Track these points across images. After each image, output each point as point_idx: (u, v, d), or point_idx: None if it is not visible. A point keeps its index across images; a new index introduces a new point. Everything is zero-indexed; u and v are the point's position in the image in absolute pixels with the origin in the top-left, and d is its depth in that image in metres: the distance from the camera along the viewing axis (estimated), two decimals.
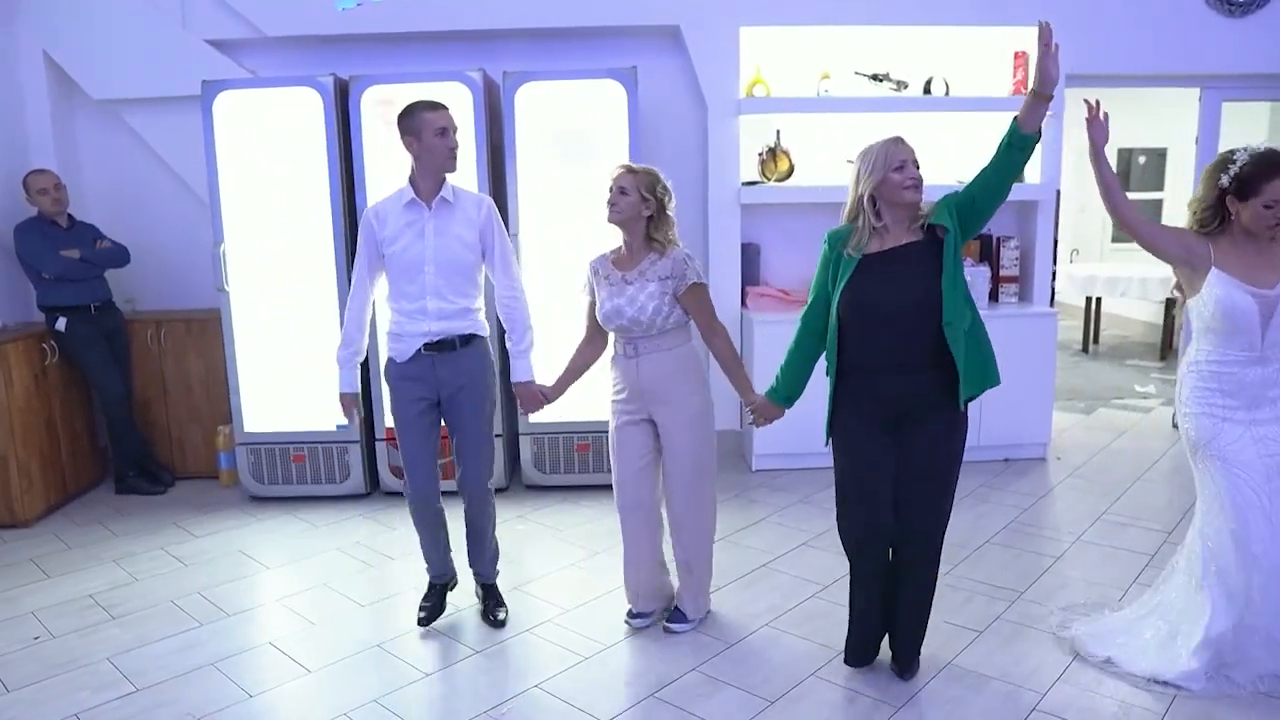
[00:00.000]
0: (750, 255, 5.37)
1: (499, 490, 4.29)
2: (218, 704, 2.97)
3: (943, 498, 2.92)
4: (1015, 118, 2.80)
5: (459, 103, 4.64)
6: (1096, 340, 8.85)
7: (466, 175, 4.69)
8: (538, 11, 5.09)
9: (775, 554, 4.06)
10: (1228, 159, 2.77)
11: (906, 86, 5.30)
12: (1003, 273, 5.39)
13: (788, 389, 3.11)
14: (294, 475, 4.90)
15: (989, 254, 5.43)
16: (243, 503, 4.92)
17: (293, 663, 3.23)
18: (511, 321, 3.40)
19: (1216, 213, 2.81)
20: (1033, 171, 5.38)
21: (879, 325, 2.79)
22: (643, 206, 3.19)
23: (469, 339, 3.32)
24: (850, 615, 3.11)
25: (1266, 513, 2.81)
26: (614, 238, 4.77)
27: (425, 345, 3.26)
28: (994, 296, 5.36)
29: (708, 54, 5.17)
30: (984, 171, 2.85)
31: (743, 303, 5.34)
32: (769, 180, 5.28)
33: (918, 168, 2.85)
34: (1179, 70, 5.44)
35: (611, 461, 3.37)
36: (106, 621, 3.57)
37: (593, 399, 3.80)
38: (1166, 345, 8.30)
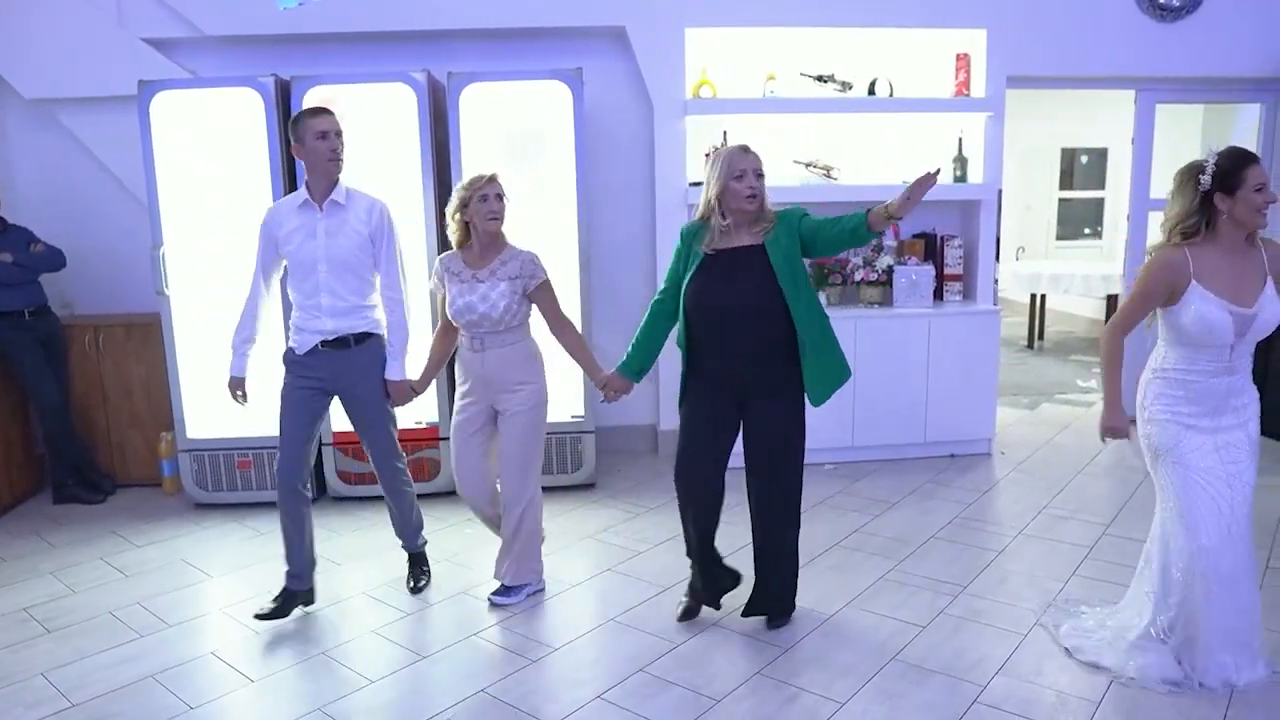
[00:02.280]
0: None
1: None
2: (157, 717, 2.92)
3: (789, 465, 3.26)
4: (869, 213, 2.96)
5: (403, 104, 4.62)
6: (1041, 336, 9.02)
7: (411, 176, 4.66)
8: (483, 12, 5.06)
9: (723, 553, 4.05)
10: (1198, 166, 2.80)
11: (851, 88, 5.36)
12: (947, 271, 5.47)
13: (639, 363, 3.42)
14: (239, 482, 4.83)
15: (933, 252, 5.50)
16: (186, 510, 4.84)
17: (235, 672, 3.18)
18: (390, 324, 3.58)
19: (1201, 218, 2.80)
20: (975, 172, 5.47)
21: (720, 320, 3.10)
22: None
23: (364, 337, 3.53)
24: (691, 552, 3.45)
25: (1223, 517, 2.83)
26: (565, 238, 4.80)
27: (322, 342, 3.47)
28: (938, 294, 5.44)
29: (654, 55, 5.19)
30: (831, 230, 3.08)
31: None
32: None
33: (760, 178, 3.09)
34: (1114, 73, 5.57)
35: (452, 447, 3.63)
36: (42, 636, 3.49)
37: None
38: None
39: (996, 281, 6.04)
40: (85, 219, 5.29)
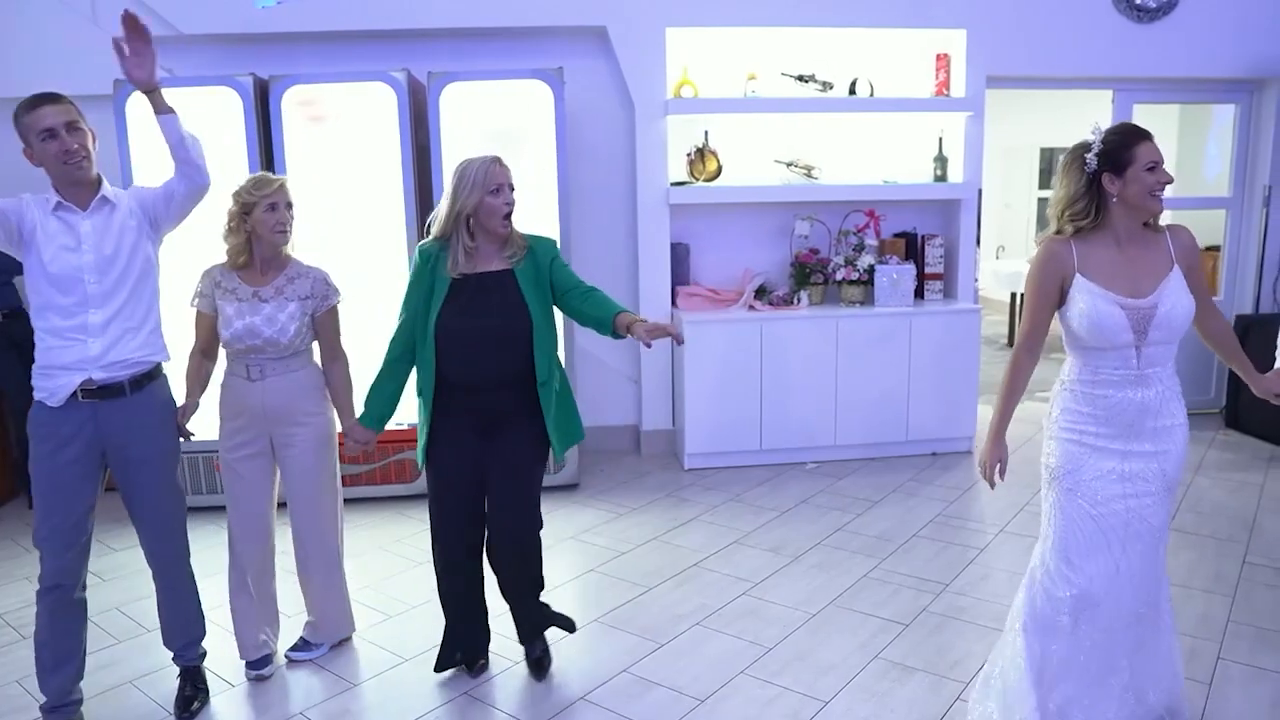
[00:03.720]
0: (679, 255, 5.39)
1: None
2: None
3: (530, 493, 2.97)
4: (618, 315, 2.84)
5: (383, 104, 4.59)
6: None
7: (391, 177, 4.63)
8: (464, 11, 5.04)
9: (706, 553, 4.09)
10: (1083, 146, 2.45)
11: (832, 87, 5.37)
12: (927, 270, 5.49)
13: (379, 410, 3.01)
14: (219, 485, 4.78)
15: (914, 252, 5.52)
16: None
17: (215, 677, 3.15)
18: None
19: (1090, 202, 2.43)
20: (955, 171, 5.50)
21: (473, 348, 2.82)
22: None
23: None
24: (446, 626, 3.13)
25: (1112, 554, 2.47)
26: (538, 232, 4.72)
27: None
28: (919, 293, 5.46)
29: (635, 55, 5.18)
30: (579, 302, 2.91)
31: (673, 302, 5.36)
32: (697, 180, 5.30)
33: (512, 190, 2.87)
34: (1091, 73, 5.62)
35: (228, 494, 3.12)
36: (18, 642, 3.44)
37: None
38: None
39: (977, 280, 6.08)
40: None
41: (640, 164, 5.28)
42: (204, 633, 3.09)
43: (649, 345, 2.82)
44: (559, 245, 4.72)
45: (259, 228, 2.96)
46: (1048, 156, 11.12)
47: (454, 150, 4.69)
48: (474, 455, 2.92)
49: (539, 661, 3.12)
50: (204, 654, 3.10)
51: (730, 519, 4.49)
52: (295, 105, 4.58)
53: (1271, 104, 5.83)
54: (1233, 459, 5.27)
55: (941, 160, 5.51)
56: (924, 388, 5.29)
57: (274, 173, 4.56)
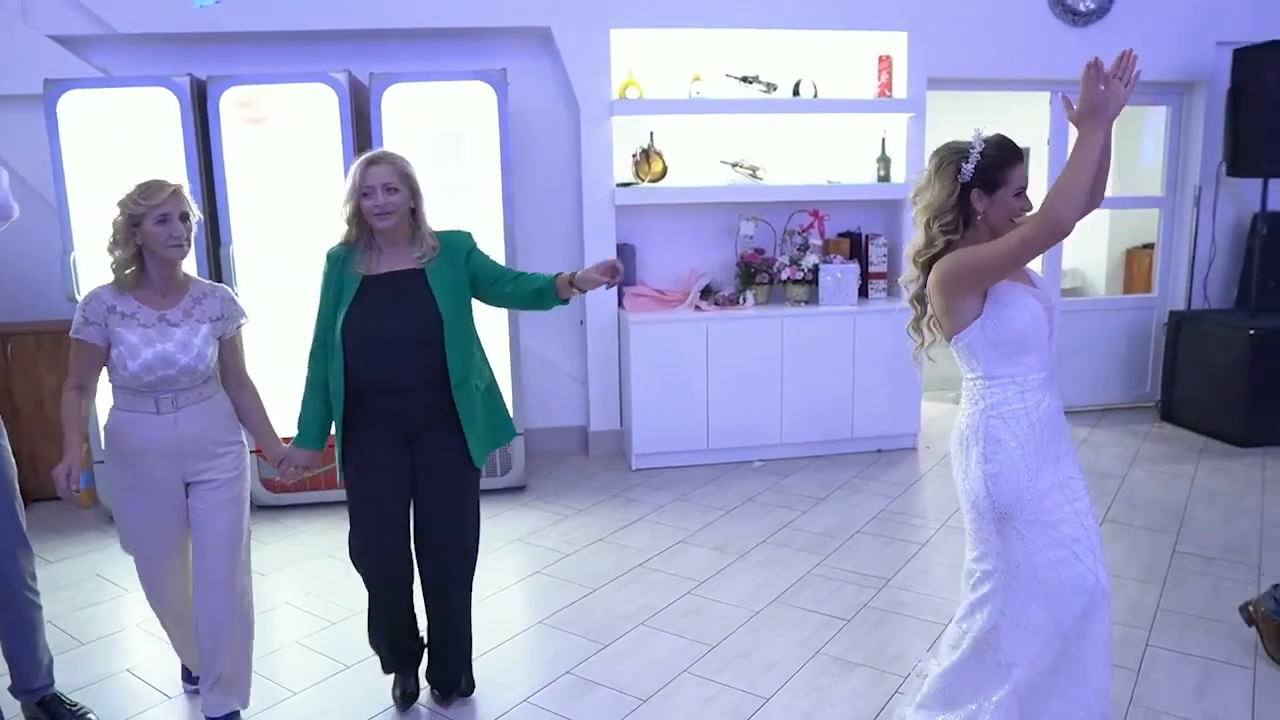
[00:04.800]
0: (626, 256, 5.40)
1: None
2: None
3: (464, 510, 2.85)
4: (556, 278, 2.79)
5: (323, 105, 4.54)
6: None
7: (333, 180, 4.57)
8: (406, 11, 5.01)
9: (651, 553, 4.10)
10: (961, 150, 2.28)
11: (776, 88, 5.42)
12: (871, 269, 5.55)
13: (317, 428, 2.84)
14: None
15: (858, 251, 5.59)
16: (102, 523, 4.69)
17: (152, 689, 3.11)
18: None
19: (958, 217, 2.29)
20: (898, 171, 5.58)
21: (384, 350, 2.69)
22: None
23: None
24: (381, 634, 2.96)
25: (1089, 574, 2.29)
26: (490, 241, 4.71)
27: None
28: (863, 292, 5.53)
29: (579, 56, 5.19)
30: (511, 285, 2.83)
31: (619, 304, 5.37)
32: (643, 181, 5.32)
33: (391, 193, 2.69)
34: (1029, 75, 5.73)
35: (133, 547, 2.80)
36: None
37: None
38: None
39: None
40: None
41: (585, 165, 5.29)
42: (52, 660, 2.94)
43: (610, 284, 2.76)
44: (513, 247, 4.76)
45: (151, 242, 2.59)
46: None
47: (398, 152, 4.65)
48: (395, 465, 2.78)
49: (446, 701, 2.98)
50: (51, 683, 2.94)
51: (677, 518, 4.51)
52: (234, 106, 4.51)
53: (1200, 107, 5.99)
54: (1166, 451, 5.40)
55: (885, 160, 5.59)
56: (868, 385, 5.36)
57: (214, 174, 4.54)
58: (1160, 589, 3.65)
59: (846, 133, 5.63)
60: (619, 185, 5.30)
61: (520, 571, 3.97)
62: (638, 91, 5.28)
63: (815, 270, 5.32)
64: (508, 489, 4.89)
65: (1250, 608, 3.23)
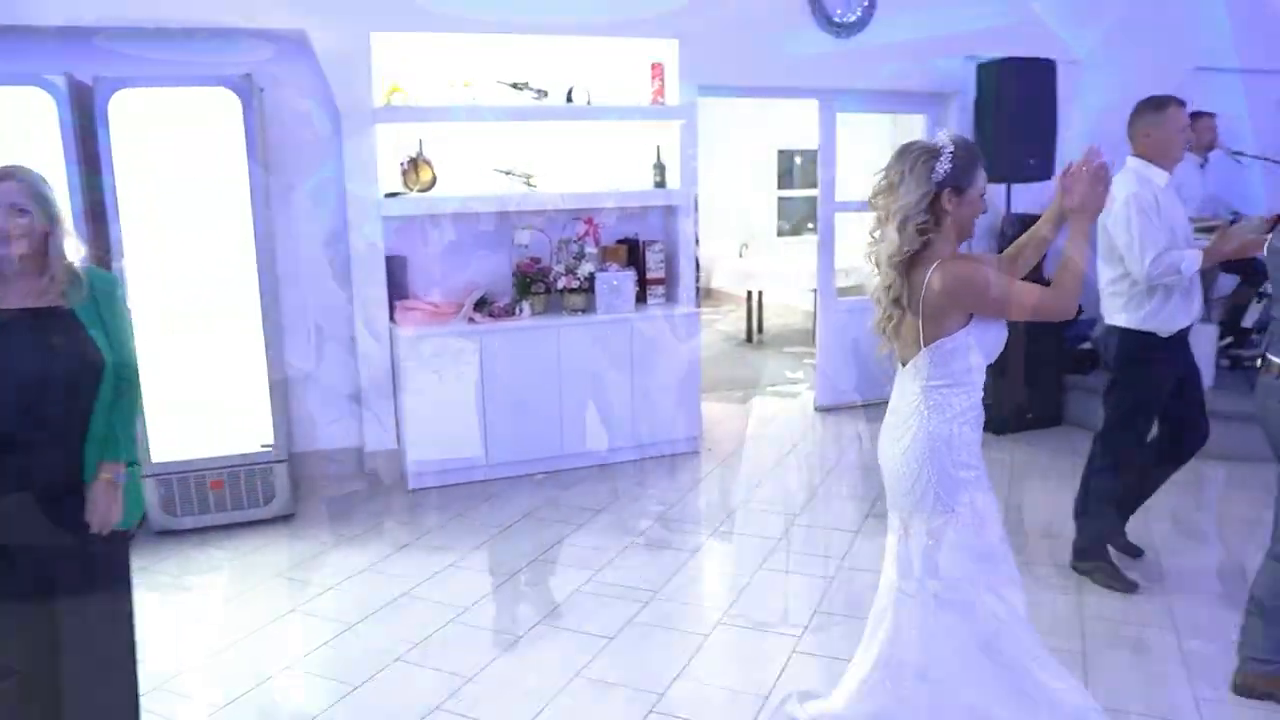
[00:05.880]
0: (396, 268, 5.20)
1: None
2: None
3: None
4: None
5: (41, 112, 4.11)
6: (760, 330, 9.48)
7: (58, 195, 4.15)
8: (139, 6, 4.59)
9: (418, 580, 3.95)
10: (932, 150, 2.29)
11: (547, 95, 5.35)
12: (649, 275, 5.59)
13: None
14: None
15: (636, 258, 5.61)
16: None
17: None
18: None
19: (931, 218, 2.30)
20: (674, 178, 5.63)
21: (26, 392, 2.23)
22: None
23: None
24: None
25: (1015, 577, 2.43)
26: (238, 266, 4.40)
27: None
28: (642, 298, 5.54)
29: (338, 60, 4.93)
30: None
31: (391, 317, 5.17)
32: (412, 191, 5.14)
33: (23, 214, 2.24)
34: (796, 83, 5.92)
35: None
36: None
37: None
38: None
39: (699, 281, 6.27)
40: None
41: (349, 174, 5.04)
42: None
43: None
44: (267, 261, 4.41)
45: None
46: (788, 159, 11.71)
47: (133, 164, 4.29)
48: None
49: None
50: None
51: (450, 540, 4.37)
52: None
53: (954, 116, 6.35)
54: None
55: (660, 167, 5.63)
56: (648, 391, 5.38)
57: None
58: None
59: (623, 140, 5.63)
60: (387, 195, 5.09)
61: (274, 612, 3.71)
62: (404, 98, 5.08)
63: (591, 278, 5.30)
64: (270, 520, 4.57)
65: (1239, 680, 2.92)
